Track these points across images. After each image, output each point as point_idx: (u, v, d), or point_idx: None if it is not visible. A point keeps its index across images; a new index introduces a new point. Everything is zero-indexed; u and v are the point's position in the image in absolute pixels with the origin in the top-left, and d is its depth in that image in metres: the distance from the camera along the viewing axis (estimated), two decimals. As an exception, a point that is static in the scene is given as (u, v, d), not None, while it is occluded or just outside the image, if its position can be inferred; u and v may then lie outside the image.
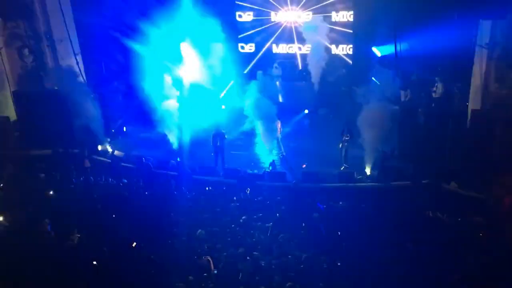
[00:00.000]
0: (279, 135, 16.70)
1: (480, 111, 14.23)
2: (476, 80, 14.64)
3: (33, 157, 15.49)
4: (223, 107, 20.21)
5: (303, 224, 10.69)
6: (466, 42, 14.76)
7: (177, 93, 17.86)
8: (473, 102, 14.78)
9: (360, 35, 19.56)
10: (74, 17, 17.31)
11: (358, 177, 14.28)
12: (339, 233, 10.08)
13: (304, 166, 14.86)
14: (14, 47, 16.91)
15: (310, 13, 20.08)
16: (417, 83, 17.56)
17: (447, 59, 16.45)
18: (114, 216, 11.07)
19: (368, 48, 19.47)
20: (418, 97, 17.00)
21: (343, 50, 20.26)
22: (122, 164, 15.56)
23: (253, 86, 17.05)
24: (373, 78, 18.47)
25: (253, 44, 21.26)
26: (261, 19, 20.75)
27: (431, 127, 14.58)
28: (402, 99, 17.01)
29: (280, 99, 19.97)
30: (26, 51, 16.93)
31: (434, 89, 16.49)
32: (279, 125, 16.64)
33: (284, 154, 16.41)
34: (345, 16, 19.66)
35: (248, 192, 12.96)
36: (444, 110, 15.49)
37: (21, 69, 17.14)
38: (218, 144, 15.65)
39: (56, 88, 17.35)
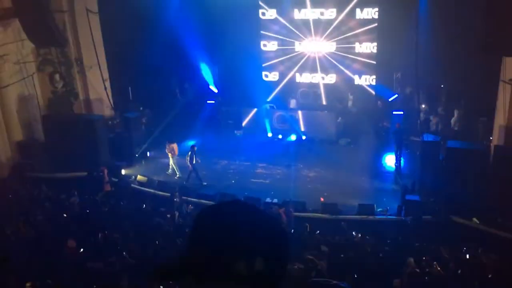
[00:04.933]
0: (174, 157, 16.94)
1: (504, 146, 14.06)
2: (500, 115, 14.52)
3: (59, 180, 15.89)
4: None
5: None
6: (490, 77, 14.73)
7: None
8: (497, 138, 14.64)
9: (384, 66, 19.67)
10: (104, 44, 17.93)
11: (378, 210, 14.18)
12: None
13: (323, 199, 14.76)
14: (45, 73, 17.55)
15: (334, 43, 20.32)
16: (442, 116, 17.57)
17: (471, 93, 16.45)
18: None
19: (392, 79, 19.59)
20: (442, 130, 16.96)
21: (366, 80, 20.37)
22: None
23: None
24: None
25: (277, 73, 21.58)
26: (285, 48, 21.09)
27: (453, 161, 14.43)
28: (433, 127, 16.88)
29: (302, 129, 20.07)
30: (57, 76, 17.54)
31: (453, 122, 16.45)
32: (175, 147, 16.87)
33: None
34: (368, 47, 19.82)
35: None
36: (467, 145, 15.35)
37: (52, 93, 17.73)
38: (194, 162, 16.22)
39: (84, 112, 17.92)
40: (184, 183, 16.35)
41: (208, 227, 1.50)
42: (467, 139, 16.02)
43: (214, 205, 1.60)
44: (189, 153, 16.29)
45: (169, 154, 16.97)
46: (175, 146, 16.89)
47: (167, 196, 14.76)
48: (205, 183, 16.30)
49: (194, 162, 16.28)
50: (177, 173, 16.92)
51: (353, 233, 12.52)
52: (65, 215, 13.32)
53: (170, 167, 17.06)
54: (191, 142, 17.32)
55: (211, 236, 1.47)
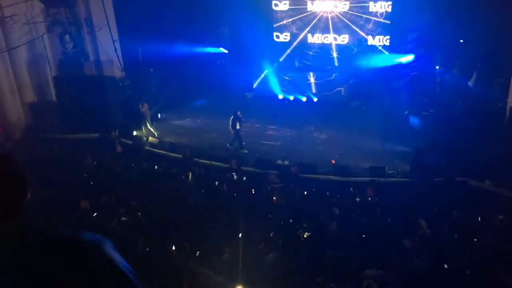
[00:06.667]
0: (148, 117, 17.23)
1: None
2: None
3: (72, 141, 15.99)
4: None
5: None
6: (507, 37, 14.34)
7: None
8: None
9: (398, 26, 19.18)
10: (113, 4, 17.66)
11: (390, 172, 14.11)
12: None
13: (333, 161, 14.69)
14: (55, 33, 17.40)
15: (347, 2, 19.81)
16: (457, 76, 17.21)
17: (487, 54, 16.05)
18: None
19: (406, 39, 19.12)
20: (457, 91, 16.64)
21: (380, 41, 19.93)
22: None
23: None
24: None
25: (288, 34, 21.19)
26: (297, 8, 20.62)
27: (467, 122, 14.21)
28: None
29: (314, 91, 19.87)
30: (67, 37, 17.39)
31: (471, 83, 16.09)
32: (146, 107, 17.07)
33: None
34: (383, 6, 19.30)
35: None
36: (482, 106, 15.09)
37: (62, 55, 17.63)
38: (237, 127, 15.94)
39: (95, 74, 17.83)
40: (228, 145, 16.11)
41: None
42: (482, 100, 15.73)
43: None
44: (231, 117, 15.94)
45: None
46: (146, 106, 17.09)
47: (179, 157, 14.84)
48: (246, 151, 15.88)
49: (237, 127, 15.93)
50: (155, 132, 17.18)
51: (357, 199, 12.44)
52: (85, 174, 13.48)
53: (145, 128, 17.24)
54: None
55: None
